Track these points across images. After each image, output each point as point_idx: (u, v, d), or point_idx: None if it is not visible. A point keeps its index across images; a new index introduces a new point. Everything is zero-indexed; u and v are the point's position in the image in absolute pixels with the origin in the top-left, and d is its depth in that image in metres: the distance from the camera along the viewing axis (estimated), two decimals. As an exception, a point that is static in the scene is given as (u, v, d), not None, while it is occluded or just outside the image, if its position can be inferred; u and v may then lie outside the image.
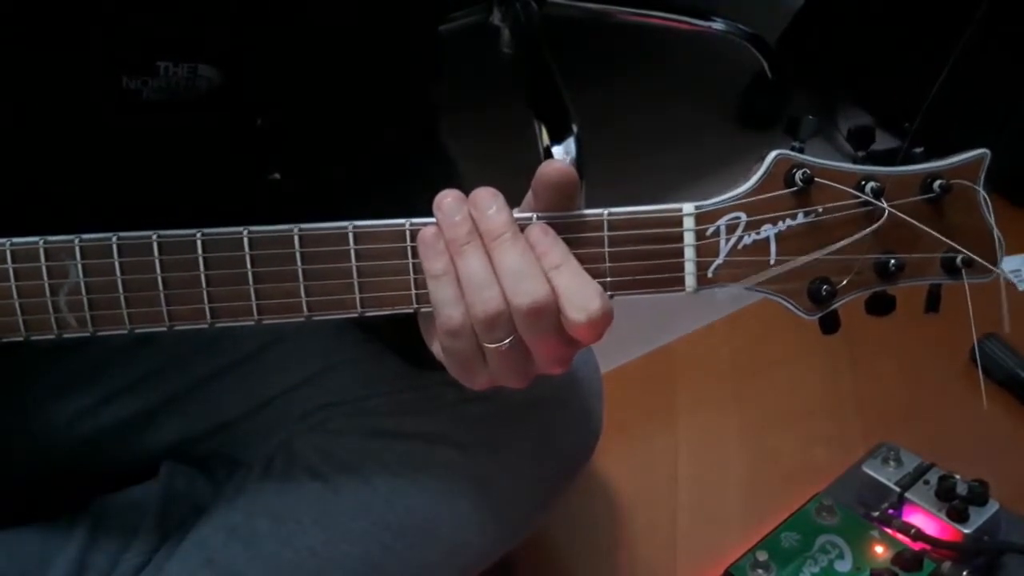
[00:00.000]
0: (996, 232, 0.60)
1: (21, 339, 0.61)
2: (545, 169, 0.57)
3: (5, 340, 0.61)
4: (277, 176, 0.76)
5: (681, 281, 0.59)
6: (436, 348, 0.62)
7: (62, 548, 0.78)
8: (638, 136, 1.67)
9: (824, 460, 1.13)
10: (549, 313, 0.56)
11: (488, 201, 0.57)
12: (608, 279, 0.58)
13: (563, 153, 1.41)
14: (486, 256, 0.57)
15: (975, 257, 0.59)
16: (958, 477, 0.99)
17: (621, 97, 1.75)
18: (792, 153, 0.58)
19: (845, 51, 1.70)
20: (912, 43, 1.64)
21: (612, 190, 1.51)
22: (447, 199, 0.58)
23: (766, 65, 1.68)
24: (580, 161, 1.41)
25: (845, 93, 1.72)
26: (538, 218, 0.58)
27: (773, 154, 0.58)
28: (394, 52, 0.75)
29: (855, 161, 0.59)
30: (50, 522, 0.79)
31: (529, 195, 0.59)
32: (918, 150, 0.59)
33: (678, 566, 1.05)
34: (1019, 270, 1.39)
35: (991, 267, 0.60)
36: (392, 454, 0.80)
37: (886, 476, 1.01)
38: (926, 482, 1.00)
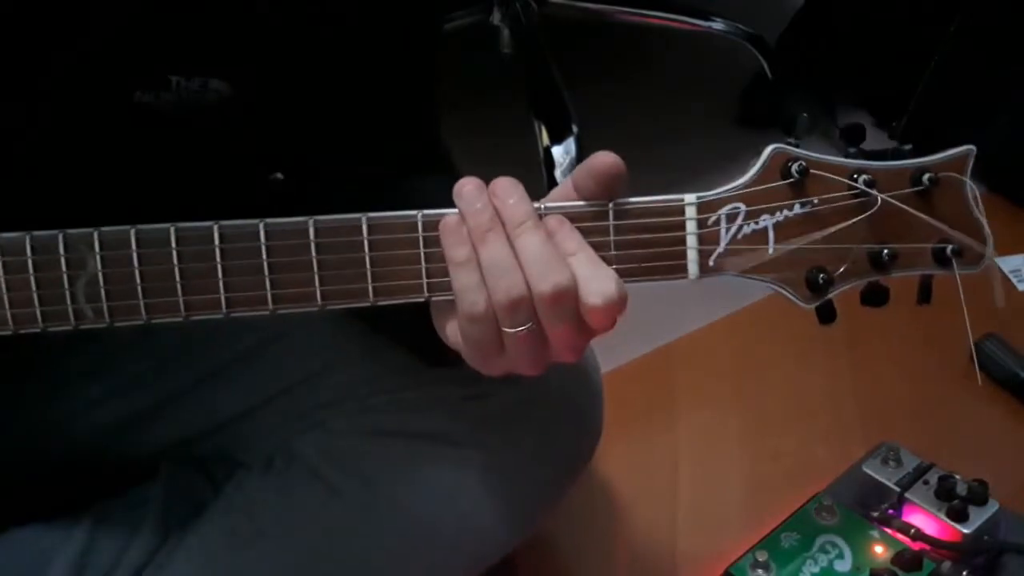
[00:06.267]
0: (983, 220, 0.62)
1: (38, 330, 0.61)
2: (597, 160, 0.60)
3: (22, 332, 0.61)
4: (280, 176, 0.77)
5: (684, 268, 0.61)
6: (451, 334, 0.63)
7: (62, 548, 0.78)
8: (638, 136, 1.66)
9: (824, 460, 1.13)
10: (569, 299, 0.57)
11: (509, 190, 0.59)
12: (614, 266, 0.60)
13: (563, 153, 1.41)
14: (508, 243, 0.58)
15: (966, 239, 0.61)
16: (958, 477, 0.99)
17: (621, 97, 1.74)
18: (788, 147, 0.61)
19: (845, 51, 1.70)
20: (911, 43, 1.64)
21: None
22: (467, 187, 0.59)
23: (766, 65, 1.68)
24: (580, 161, 1.41)
25: (844, 93, 1.72)
26: (546, 208, 0.60)
27: (770, 148, 0.61)
28: (396, 54, 0.76)
29: (847, 157, 0.61)
30: (50, 522, 0.79)
31: (566, 185, 0.61)
32: (907, 147, 0.62)
33: (678, 566, 1.05)
34: (1019, 270, 1.39)
35: (980, 250, 0.62)
36: (393, 454, 0.80)
37: (886, 476, 1.01)
38: (926, 482, 1.00)
